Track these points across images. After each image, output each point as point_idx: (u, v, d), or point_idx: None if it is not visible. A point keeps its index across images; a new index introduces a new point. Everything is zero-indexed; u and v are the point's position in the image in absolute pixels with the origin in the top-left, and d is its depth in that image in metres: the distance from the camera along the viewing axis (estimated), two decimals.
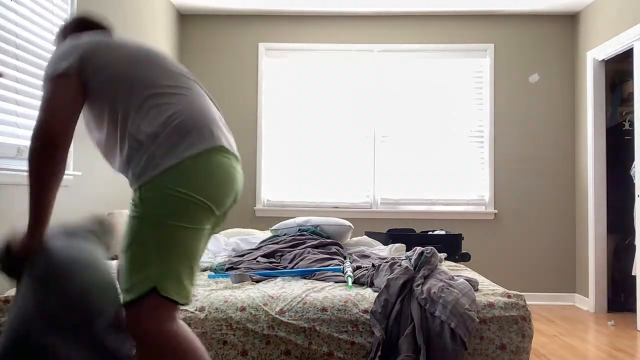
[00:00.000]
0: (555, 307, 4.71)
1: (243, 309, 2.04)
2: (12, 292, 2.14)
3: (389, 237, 3.60)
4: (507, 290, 2.12)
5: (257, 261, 2.82)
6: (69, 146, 1.47)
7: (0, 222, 2.44)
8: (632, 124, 4.60)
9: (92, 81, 1.49)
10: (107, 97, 1.49)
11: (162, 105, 1.49)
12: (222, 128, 1.57)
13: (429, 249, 2.30)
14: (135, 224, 1.42)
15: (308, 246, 2.98)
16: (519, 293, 2.08)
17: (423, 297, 2.01)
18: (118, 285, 1.48)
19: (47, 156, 1.41)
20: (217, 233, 1.69)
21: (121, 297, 1.43)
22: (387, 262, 2.38)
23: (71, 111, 1.47)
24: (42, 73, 2.58)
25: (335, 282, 2.39)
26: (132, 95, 1.49)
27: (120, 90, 1.49)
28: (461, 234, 3.67)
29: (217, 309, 2.04)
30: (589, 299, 4.57)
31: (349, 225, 3.34)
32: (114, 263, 1.72)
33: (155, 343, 1.41)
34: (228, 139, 1.57)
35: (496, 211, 4.91)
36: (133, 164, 1.46)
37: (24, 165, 2.48)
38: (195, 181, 1.43)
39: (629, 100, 4.80)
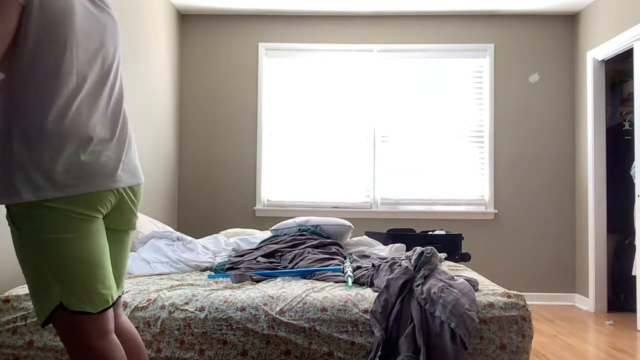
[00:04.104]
0: (555, 307, 4.71)
1: (243, 309, 2.04)
2: (12, 292, 2.14)
3: (389, 237, 3.60)
4: (507, 290, 2.12)
5: (257, 261, 2.82)
6: None
7: (0, 222, 2.44)
8: (632, 124, 4.59)
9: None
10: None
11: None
12: None
13: (429, 249, 2.30)
14: (17, 244, 1.36)
15: (308, 246, 2.98)
16: (519, 293, 2.08)
17: (423, 297, 2.01)
18: None
19: None
20: (132, 218, 1.59)
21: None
22: (387, 262, 2.38)
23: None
24: None
25: (335, 282, 2.39)
26: None
27: None
28: (461, 234, 3.67)
29: (217, 309, 2.05)
30: (589, 299, 4.57)
31: (349, 225, 3.34)
32: None
33: (82, 359, 1.37)
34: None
35: (496, 211, 4.91)
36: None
37: None
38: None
39: (629, 100, 4.80)
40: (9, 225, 1.37)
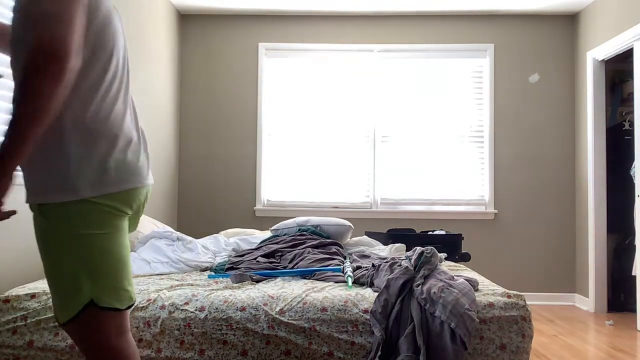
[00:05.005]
0: (555, 307, 4.71)
1: (243, 309, 2.04)
2: (12, 292, 2.14)
3: (389, 237, 3.60)
4: (507, 290, 2.12)
5: (257, 261, 2.82)
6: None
7: (0, 222, 2.44)
8: (632, 124, 4.59)
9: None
10: None
11: None
12: None
13: (429, 249, 2.30)
14: (44, 239, 1.34)
15: (308, 246, 2.98)
16: (519, 293, 2.08)
17: (423, 297, 2.01)
18: None
19: (53, 73, 1.18)
20: (139, 218, 1.61)
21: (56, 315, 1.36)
22: (387, 262, 2.38)
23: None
24: None
25: (335, 282, 2.39)
26: None
27: None
28: (461, 234, 3.67)
29: (217, 309, 2.05)
30: (589, 299, 4.57)
31: (349, 225, 3.34)
32: None
33: (101, 357, 1.37)
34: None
35: (496, 211, 4.91)
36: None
37: None
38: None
39: (629, 100, 4.80)
40: (37, 218, 1.35)
